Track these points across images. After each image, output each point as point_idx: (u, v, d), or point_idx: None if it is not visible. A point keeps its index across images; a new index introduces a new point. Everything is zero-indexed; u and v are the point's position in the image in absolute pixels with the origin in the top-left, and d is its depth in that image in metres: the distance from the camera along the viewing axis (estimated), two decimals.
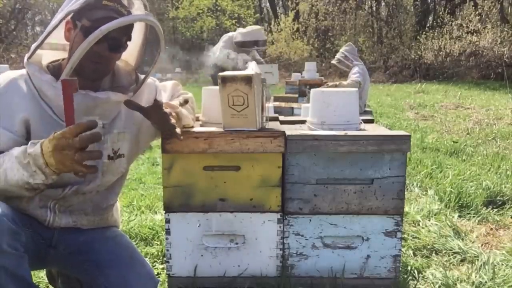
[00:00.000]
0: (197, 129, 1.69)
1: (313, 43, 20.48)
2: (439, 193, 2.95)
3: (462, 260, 2.06)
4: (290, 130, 1.75)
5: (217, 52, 4.94)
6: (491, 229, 2.48)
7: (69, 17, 1.24)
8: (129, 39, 1.31)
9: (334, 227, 1.72)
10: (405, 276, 1.86)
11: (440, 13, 17.13)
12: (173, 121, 1.36)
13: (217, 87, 1.63)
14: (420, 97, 10.01)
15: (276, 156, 1.68)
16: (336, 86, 4.89)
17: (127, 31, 1.28)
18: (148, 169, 3.91)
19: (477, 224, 2.53)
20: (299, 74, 7.12)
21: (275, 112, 2.94)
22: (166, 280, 1.79)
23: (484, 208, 2.73)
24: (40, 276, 1.82)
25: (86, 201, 1.40)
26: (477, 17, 15.09)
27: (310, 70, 6.11)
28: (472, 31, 14.83)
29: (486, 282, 1.80)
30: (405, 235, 2.28)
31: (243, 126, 1.62)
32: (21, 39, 21.25)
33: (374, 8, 21.83)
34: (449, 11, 17.13)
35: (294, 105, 4.67)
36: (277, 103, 4.72)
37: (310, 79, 5.74)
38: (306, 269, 1.76)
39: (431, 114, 7.31)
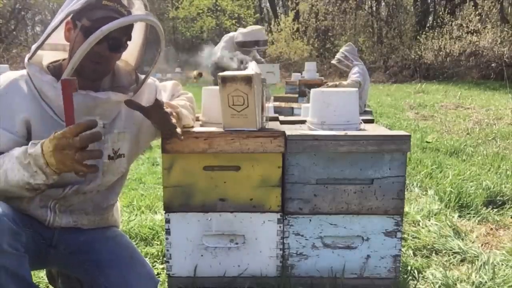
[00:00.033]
0: (197, 129, 1.69)
1: (313, 43, 20.49)
2: (439, 193, 2.95)
3: (462, 260, 2.06)
4: (290, 130, 1.75)
5: (218, 53, 4.95)
6: (491, 229, 2.48)
7: (69, 18, 1.24)
8: (129, 39, 1.31)
9: (334, 227, 1.73)
10: (405, 276, 1.86)
11: (440, 13, 17.13)
12: (173, 121, 1.37)
13: (217, 87, 1.63)
14: (420, 97, 10.01)
15: (276, 156, 1.68)
16: (336, 86, 4.89)
17: (127, 31, 1.28)
18: (148, 169, 3.91)
19: (477, 224, 2.54)
20: (299, 74, 7.13)
21: (275, 112, 2.94)
22: (166, 280, 1.79)
23: (484, 208, 2.73)
24: (40, 276, 1.82)
25: (86, 200, 1.40)
26: (477, 17, 15.09)
27: (310, 70, 6.12)
28: (472, 31, 14.83)
29: (486, 282, 1.80)
30: (405, 235, 2.28)
31: (243, 126, 1.62)
32: (21, 39, 21.26)
33: (374, 8, 21.83)
34: (449, 11, 17.13)
35: (294, 105, 4.67)
36: (277, 103, 4.72)
37: (310, 79, 5.75)
38: (306, 269, 1.76)
39: (431, 114, 7.31)
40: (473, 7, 16.03)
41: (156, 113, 1.32)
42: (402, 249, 1.94)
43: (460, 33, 15.09)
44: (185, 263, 1.75)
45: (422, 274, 1.91)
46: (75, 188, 1.33)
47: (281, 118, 2.20)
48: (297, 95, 5.54)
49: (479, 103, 8.33)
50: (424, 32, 16.38)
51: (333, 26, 20.89)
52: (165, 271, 1.82)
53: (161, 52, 1.36)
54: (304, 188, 1.70)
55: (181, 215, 1.72)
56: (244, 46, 4.95)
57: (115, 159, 1.39)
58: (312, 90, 1.86)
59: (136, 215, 2.61)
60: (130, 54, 1.43)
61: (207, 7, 23.06)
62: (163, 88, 1.62)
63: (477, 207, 2.71)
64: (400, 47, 17.71)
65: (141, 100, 1.40)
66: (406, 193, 2.45)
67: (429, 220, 2.52)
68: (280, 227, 1.72)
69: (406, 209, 2.64)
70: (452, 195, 2.82)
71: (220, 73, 1.57)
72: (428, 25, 18.33)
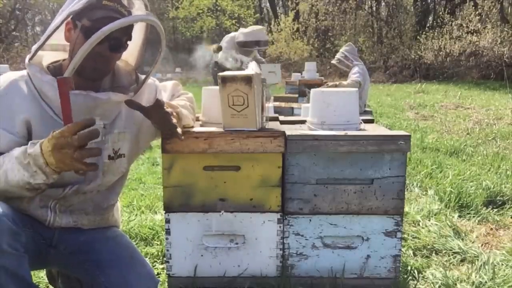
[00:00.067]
0: (197, 129, 1.69)
1: (313, 43, 20.49)
2: (439, 193, 2.95)
3: (462, 260, 2.06)
4: (290, 130, 1.75)
5: (219, 53, 4.95)
6: (491, 229, 2.48)
7: (69, 18, 1.24)
8: (130, 39, 1.31)
9: (334, 227, 1.73)
10: (405, 276, 1.86)
11: (440, 13, 17.15)
12: (174, 121, 1.37)
13: (217, 87, 1.63)
14: (420, 97, 10.01)
15: (276, 156, 1.68)
16: (336, 86, 4.89)
17: (127, 31, 1.28)
18: (148, 169, 3.91)
19: (477, 224, 2.54)
20: (299, 74, 7.13)
21: (275, 112, 2.94)
22: (166, 280, 1.79)
23: (484, 208, 2.73)
24: (40, 276, 1.82)
25: (86, 200, 1.40)
26: (477, 17, 15.09)
27: (310, 70, 6.12)
28: (472, 31, 14.83)
29: (486, 282, 1.80)
30: (405, 235, 2.28)
31: (243, 126, 1.63)
32: (21, 39, 21.26)
33: (374, 8, 21.83)
34: (449, 11, 17.14)
35: (294, 105, 4.66)
36: (277, 103, 4.72)
37: (310, 79, 5.75)
38: (306, 269, 1.76)
39: (431, 114, 7.31)
40: (473, 7, 16.03)
41: (157, 113, 1.32)
42: (402, 249, 1.94)
43: (460, 33, 15.08)
44: (185, 263, 1.75)
45: (422, 274, 1.91)
46: (75, 188, 1.33)
47: (281, 118, 2.20)
48: (297, 95, 5.54)
49: (479, 103, 8.33)
50: (424, 32, 16.38)
51: (333, 26, 20.89)
52: (165, 271, 1.82)
53: (162, 52, 1.36)
54: (304, 188, 1.70)
55: (181, 215, 1.72)
56: (245, 46, 4.96)
57: (115, 159, 1.39)
58: (312, 90, 1.86)
59: (136, 215, 2.61)
60: (130, 54, 1.43)
61: (207, 7, 23.06)
62: (163, 88, 1.62)
63: (477, 207, 2.71)
64: (400, 47, 17.71)
65: (141, 100, 1.40)
66: (406, 193, 2.45)
67: (429, 220, 2.52)
68: (280, 227, 1.72)
69: (406, 209, 2.64)
70: (452, 195, 2.82)
71: (220, 73, 1.57)
72: (428, 25, 18.33)
